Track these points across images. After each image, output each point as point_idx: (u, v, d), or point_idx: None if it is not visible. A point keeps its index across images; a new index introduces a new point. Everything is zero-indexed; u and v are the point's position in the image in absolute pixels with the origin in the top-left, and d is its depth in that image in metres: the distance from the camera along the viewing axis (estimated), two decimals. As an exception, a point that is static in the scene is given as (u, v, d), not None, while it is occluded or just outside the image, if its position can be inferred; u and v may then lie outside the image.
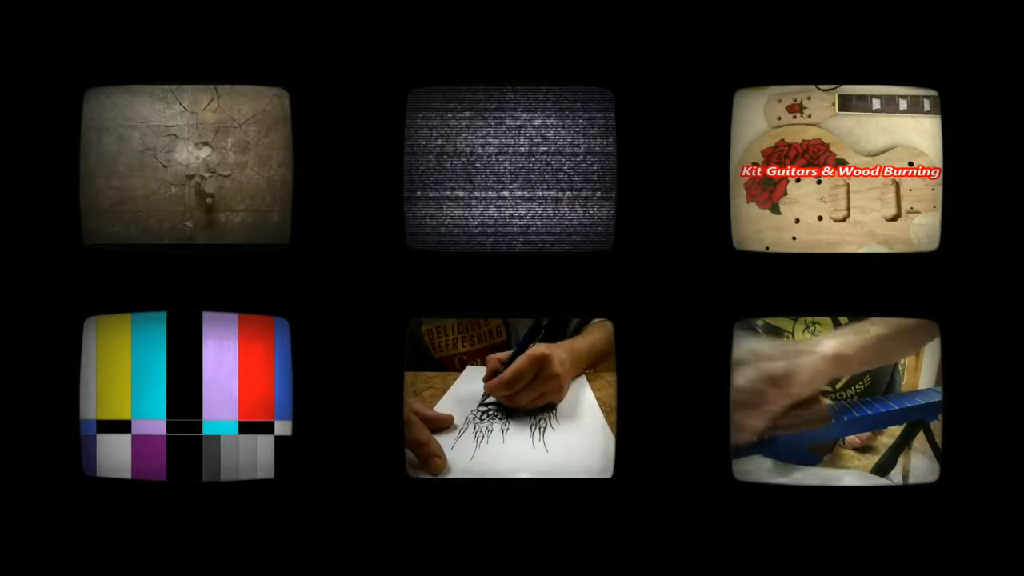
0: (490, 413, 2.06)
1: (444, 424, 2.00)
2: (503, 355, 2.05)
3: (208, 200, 1.99)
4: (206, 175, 1.99)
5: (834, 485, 1.95)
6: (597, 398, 2.09)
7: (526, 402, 2.05)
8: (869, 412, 1.97)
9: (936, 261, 1.93)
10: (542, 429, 2.03)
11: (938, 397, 1.95)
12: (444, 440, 2.00)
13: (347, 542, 1.97)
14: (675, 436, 1.95)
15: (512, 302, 1.97)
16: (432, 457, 1.96)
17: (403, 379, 1.95)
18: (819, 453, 1.98)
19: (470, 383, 2.07)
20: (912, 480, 1.97)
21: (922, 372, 1.99)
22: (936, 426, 1.95)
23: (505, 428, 2.03)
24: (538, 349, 2.02)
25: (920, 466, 1.97)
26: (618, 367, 1.94)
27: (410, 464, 1.96)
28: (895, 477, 1.97)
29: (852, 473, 1.97)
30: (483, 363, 2.08)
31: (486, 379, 2.06)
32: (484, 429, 2.03)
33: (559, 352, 2.04)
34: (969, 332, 1.92)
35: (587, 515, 1.96)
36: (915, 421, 1.97)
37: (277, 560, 1.97)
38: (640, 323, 1.95)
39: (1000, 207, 1.92)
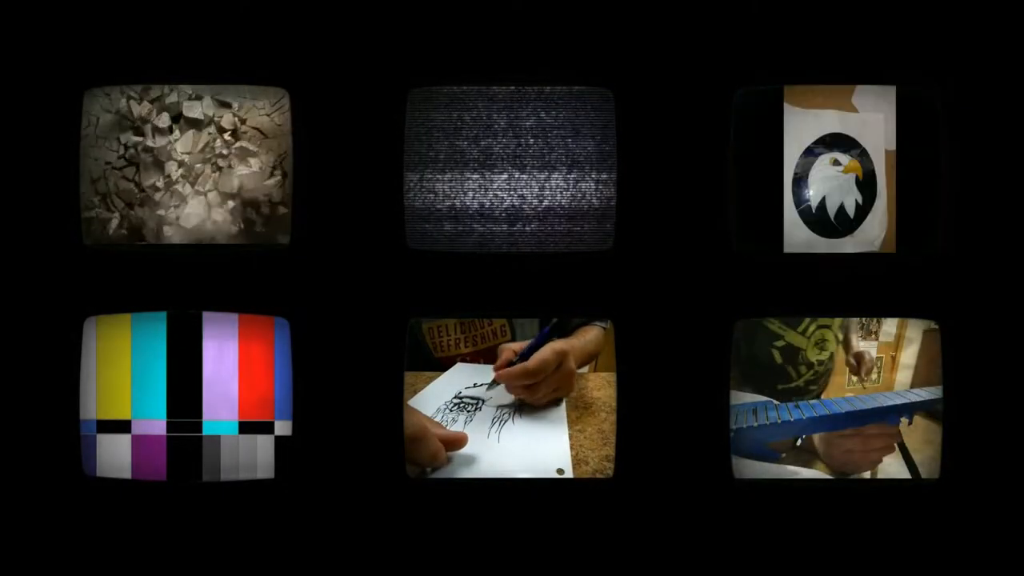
0: (458, 406, 2.06)
1: (459, 444, 1.97)
2: (517, 346, 2.05)
3: (208, 203, 2.00)
4: (206, 179, 1.99)
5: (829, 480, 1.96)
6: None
7: (543, 394, 2.05)
8: (827, 412, 1.98)
9: (936, 261, 1.93)
10: (502, 423, 2.03)
11: (937, 396, 1.95)
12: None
13: (347, 542, 1.97)
14: (675, 436, 1.95)
15: (512, 302, 1.97)
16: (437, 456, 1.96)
17: (403, 379, 1.95)
18: (778, 451, 1.99)
19: (454, 379, 2.08)
20: (911, 480, 1.97)
21: (898, 372, 1.99)
22: (936, 426, 1.95)
23: (469, 420, 2.03)
24: (558, 344, 2.02)
25: (920, 465, 1.98)
26: (618, 367, 1.94)
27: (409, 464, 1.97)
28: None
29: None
30: (473, 361, 2.09)
31: (498, 367, 2.04)
32: (450, 420, 2.02)
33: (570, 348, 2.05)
34: (969, 332, 1.92)
35: (587, 515, 1.96)
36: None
37: (277, 560, 1.97)
38: (640, 323, 1.95)
39: (1000, 207, 1.92)
